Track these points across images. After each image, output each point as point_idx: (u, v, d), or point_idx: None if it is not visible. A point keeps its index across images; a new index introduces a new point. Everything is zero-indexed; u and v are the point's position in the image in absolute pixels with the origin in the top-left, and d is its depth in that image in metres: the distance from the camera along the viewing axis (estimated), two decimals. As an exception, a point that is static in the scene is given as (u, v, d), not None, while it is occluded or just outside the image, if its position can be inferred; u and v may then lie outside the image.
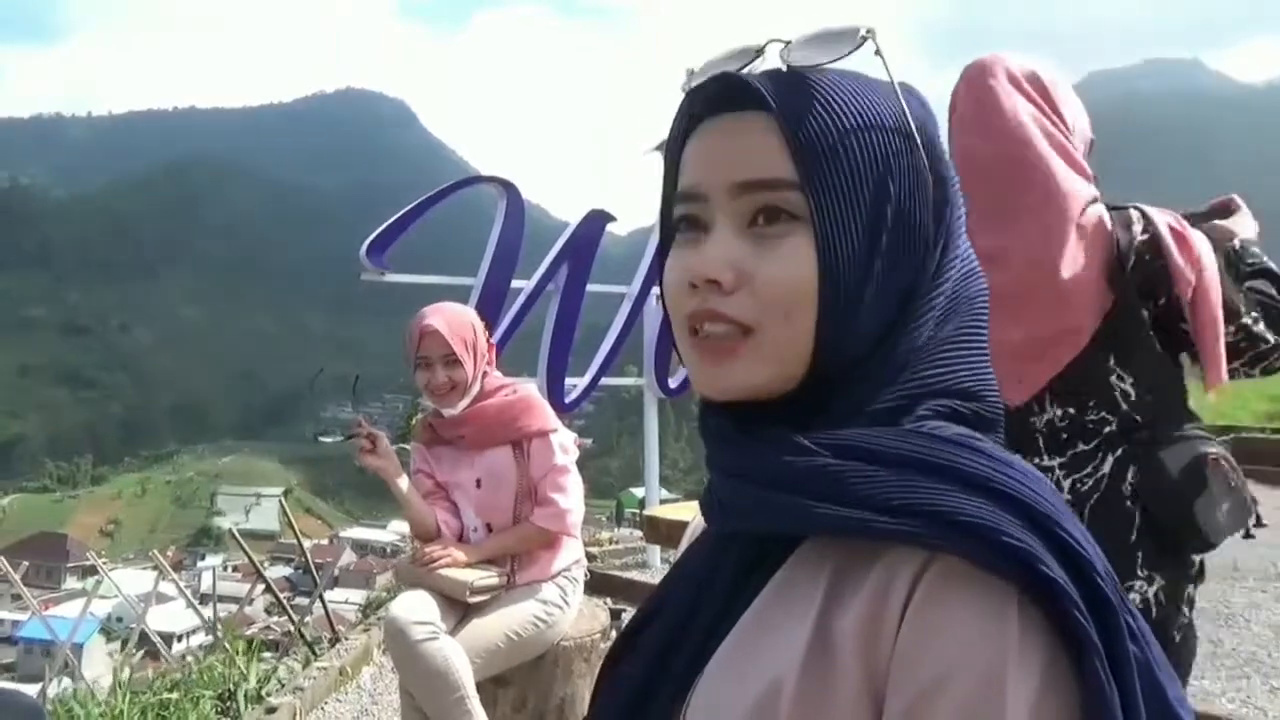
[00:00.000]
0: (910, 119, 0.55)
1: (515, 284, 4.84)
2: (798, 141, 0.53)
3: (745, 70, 0.56)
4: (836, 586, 0.50)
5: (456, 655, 2.02)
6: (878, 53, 0.55)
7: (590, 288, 5.07)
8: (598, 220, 5.05)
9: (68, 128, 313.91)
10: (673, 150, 0.60)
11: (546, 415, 2.30)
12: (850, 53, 0.54)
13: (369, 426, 2.25)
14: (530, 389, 2.42)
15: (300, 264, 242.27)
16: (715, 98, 0.56)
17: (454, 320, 2.24)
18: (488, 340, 2.33)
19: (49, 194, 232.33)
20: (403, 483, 2.24)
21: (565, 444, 2.30)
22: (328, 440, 2.41)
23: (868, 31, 0.54)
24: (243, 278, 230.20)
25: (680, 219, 0.58)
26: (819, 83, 0.54)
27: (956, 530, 0.46)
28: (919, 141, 0.55)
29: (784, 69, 0.55)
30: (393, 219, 4.64)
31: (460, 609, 2.18)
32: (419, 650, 1.99)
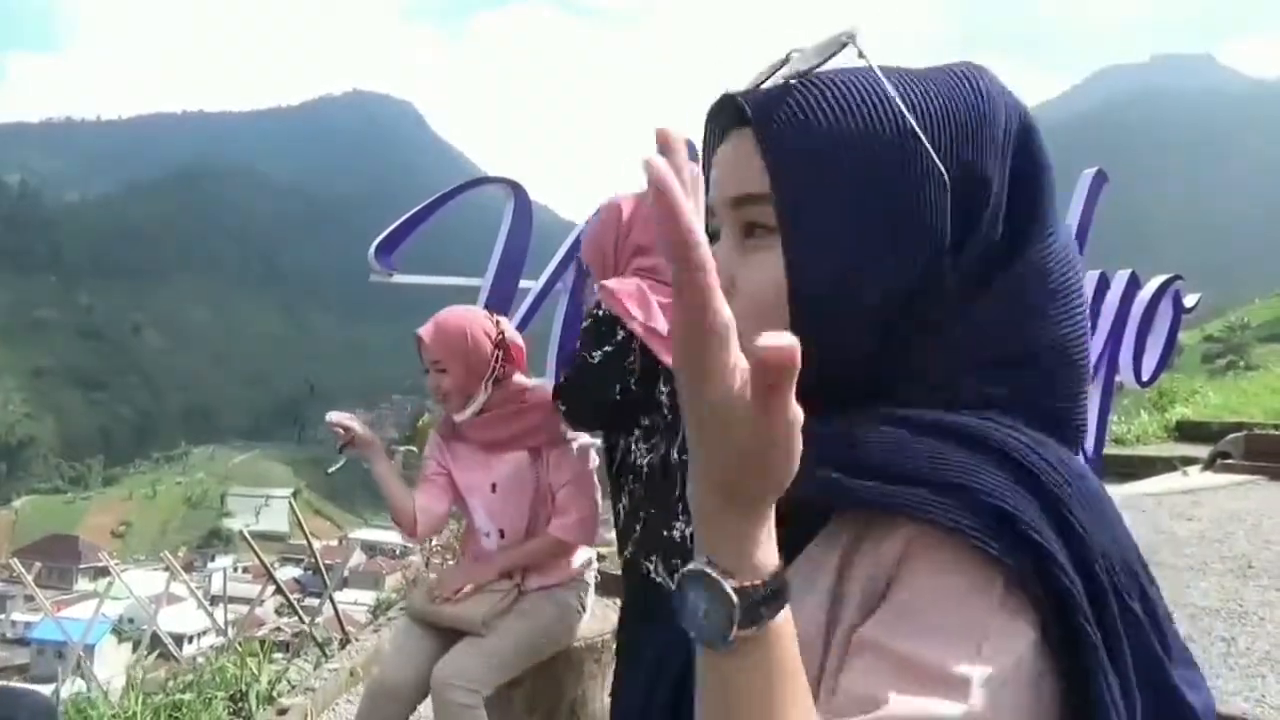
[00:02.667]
0: (913, 120, 0.53)
1: (523, 284, 4.84)
2: (768, 154, 0.54)
3: (770, 81, 0.57)
4: (850, 554, 0.51)
5: None
6: (861, 55, 0.55)
7: (598, 288, 5.07)
8: (605, 220, 5.05)
9: (78, 132, 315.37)
10: (705, 169, 0.63)
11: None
12: (829, 57, 0.55)
13: (340, 423, 2.16)
14: (546, 391, 2.37)
15: (309, 266, 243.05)
16: (722, 117, 0.59)
17: (441, 327, 2.19)
18: (503, 346, 2.24)
19: (60, 198, 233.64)
20: (382, 467, 2.19)
21: (584, 451, 2.29)
22: (339, 463, 2.33)
23: (848, 36, 0.54)
24: (252, 280, 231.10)
25: (710, 235, 0.61)
26: (805, 92, 0.55)
27: (974, 511, 0.47)
28: (925, 140, 0.53)
29: (787, 81, 0.56)
30: (400, 220, 4.64)
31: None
32: (463, 717, 2.00)
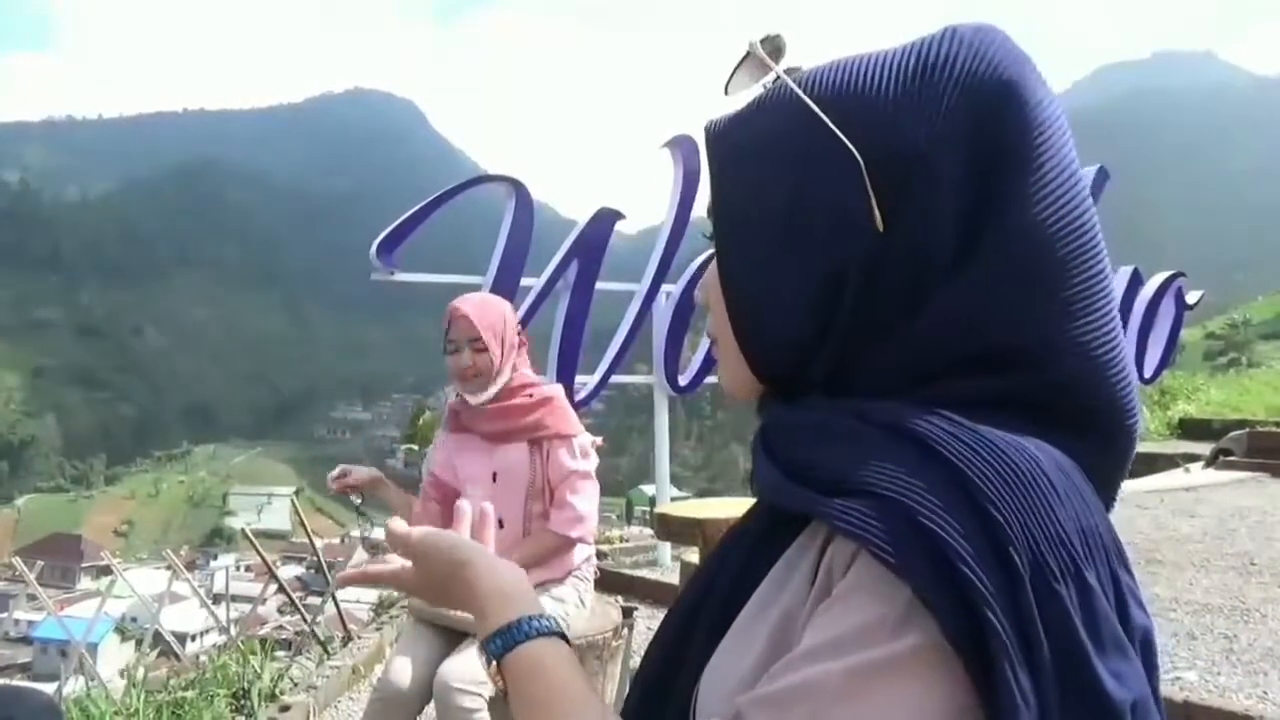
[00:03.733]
0: (814, 104, 0.53)
1: (525, 282, 4.85)
2: (710, 169, 0.60)
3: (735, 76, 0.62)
4: (827, 543, 0.52)
5: None
6: (765, 62, 0.58)
7: (599, 285, 5.07)
8: (607, 218, 5.05)
9: (78, 130, 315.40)
10: None
11: (570, 419, 2.31)
12: (736, 68, 0.60)
13: (343, 483, 2.30)
14: (557, 390, 2.41)
15: (310, 264, 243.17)
16: None
17: (483, 306, 2.28)
18: (520, 335, 2.34)
19: (60, 196, 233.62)
20: (391, 497, 2.33)
21: (585, 449, 2.30)
22: (358, 512, 2.46)
23: (750, 44, 0.59)
24: (253, 279, 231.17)
25: None
26: (741, 106, 0.60)
27: (880, 511, 0.47)
28: (831, 124, 0.52)
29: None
30: (402, 218, 4.65)
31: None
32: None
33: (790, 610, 0.52)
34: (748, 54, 0.58)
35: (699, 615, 0.60)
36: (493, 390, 2.25)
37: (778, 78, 0.57)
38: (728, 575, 0.59)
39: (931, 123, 0.51)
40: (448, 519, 2.41)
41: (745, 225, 0.57)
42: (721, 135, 0.59)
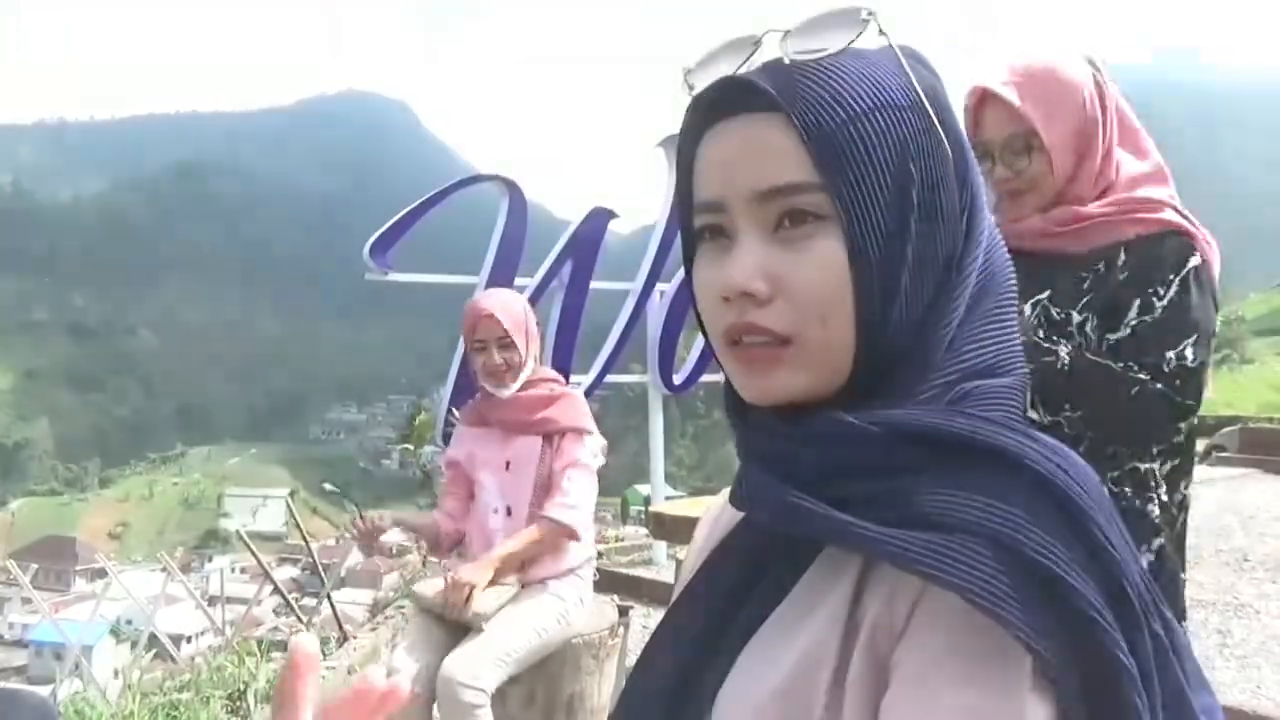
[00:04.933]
0: (921, 92, 0.53)
1: (519, 282, 4.84)
2: (813, 140, 0.51)
3: (745, 64, 0.54)
4: (865, 575, 0.50)
5: None
6: (881, 32, 0.52)
7: (594, 285, 5.06)
8: (601, 217, 5.05)
9: (71, 131, 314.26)
10: (684, 156, 0.58)
11: (585, 416, 2.35)
12: (855, 39, 0.52)
13: (360, 525, 2.31)
14: (576, 389, 2.46)
15: (304, 265, 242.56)
16: (722, 100, 0.54)
17: (507, 303, 2.34)
18: (537, 327, 2.42)
19: (54, 198, 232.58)
20: (410, 523, 2.41)
21: (594, 448, 2.34)
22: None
23: (869, 13, 0.52)
24: (247, 280, 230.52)
25: (703, 229, 0.56)
26: (824, 71, 0.52)
27: (972, 546, 0.43)
28: (933, 113, 0.53)
29: (787, 61, 0.53)
30: (395, 218, 4.63)
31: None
32: (470, 716, 2.00)
33: (815, 652, 0.49)
34: (866, 23, 0.52)
35: (704, 637, 0.56)
36: (518, 383, 2.31)
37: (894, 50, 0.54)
38: (723, 592, 0.56)
39: (960, 123, 0.56)
40: (467, 507, 2.45)
41: (876, 206, 0.51)
42: (821, 101, 0.51)
